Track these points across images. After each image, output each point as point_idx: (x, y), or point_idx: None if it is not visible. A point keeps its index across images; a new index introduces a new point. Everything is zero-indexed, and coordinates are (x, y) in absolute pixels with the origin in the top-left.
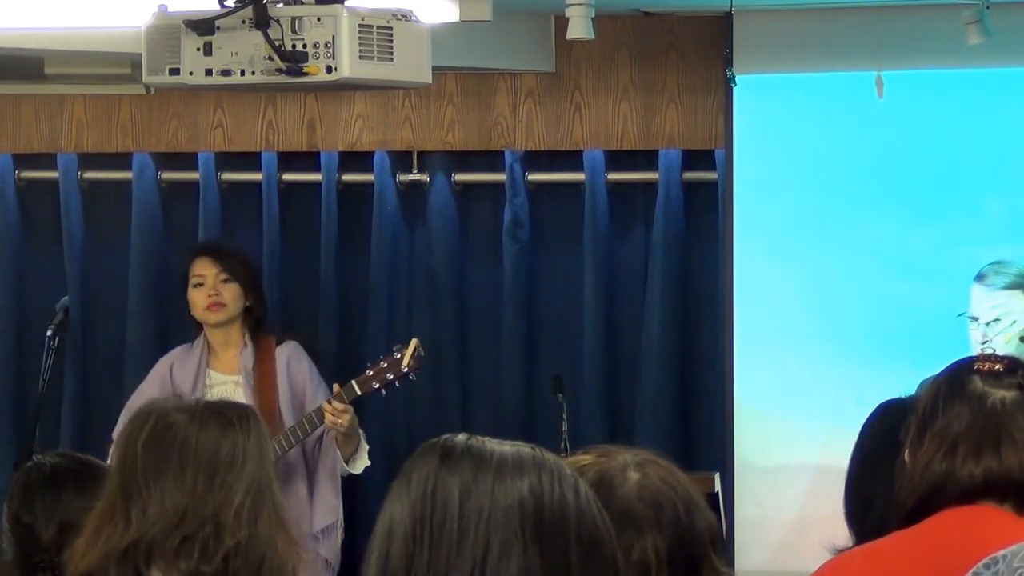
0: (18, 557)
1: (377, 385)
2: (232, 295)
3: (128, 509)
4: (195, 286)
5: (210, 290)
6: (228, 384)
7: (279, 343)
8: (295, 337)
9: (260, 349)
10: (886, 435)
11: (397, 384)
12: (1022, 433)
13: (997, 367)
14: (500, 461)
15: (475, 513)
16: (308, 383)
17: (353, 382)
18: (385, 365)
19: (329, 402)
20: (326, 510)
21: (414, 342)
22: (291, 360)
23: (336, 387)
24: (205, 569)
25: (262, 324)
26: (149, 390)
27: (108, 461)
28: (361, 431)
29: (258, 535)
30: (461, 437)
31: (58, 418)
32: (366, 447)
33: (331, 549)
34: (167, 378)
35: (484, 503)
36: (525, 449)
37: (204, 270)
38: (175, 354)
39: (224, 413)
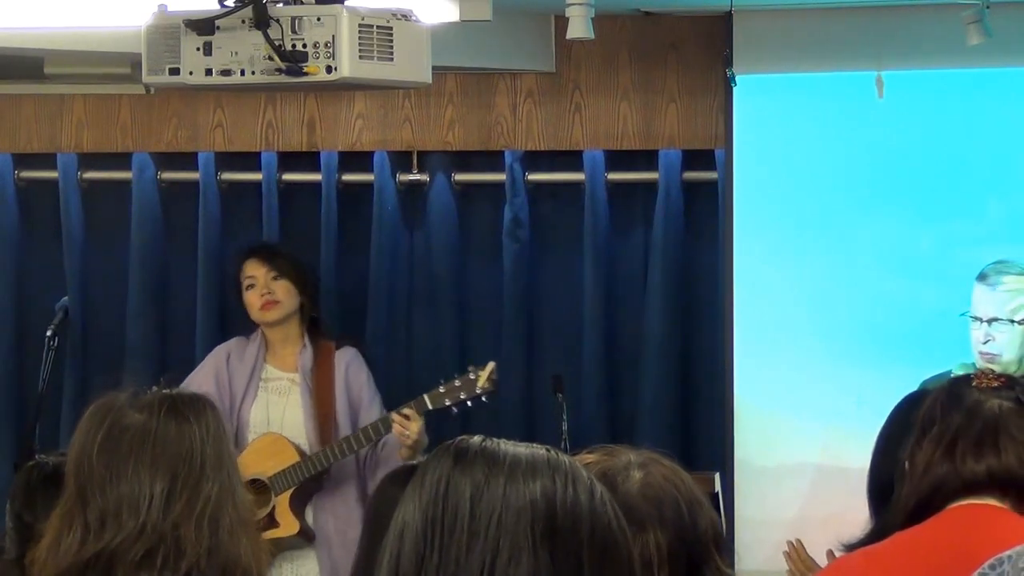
0: (20, 556)
1: (448, 403)
2: (285, 291)
3: (85, 515)
4: (248, 288)
5: (262, 289)
6: (284, 381)
7: (338, 347)
8: (353, 343)
9: (319, 352)
10: (908, 422)
11: (469, 404)
12: (1021, 432)
13: (995, 383)
14: (513, 463)
15: (486, 515)
16: (365, 391)
17: (425, 396)
18: (459, 384)
19: (399, 412)
20: None
21: (491, 365)
22: (350, 366)
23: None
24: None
25: (319, 325)
26: (203, 378)
27: None
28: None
29: (220, 543)
30: (476, 438)
31: (58, 418)
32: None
33: None
34: (223, 367)
35: (495, 505)
36: (540, 451)
37: (254, 271)
38: (232, 344)
39: (181, 411)
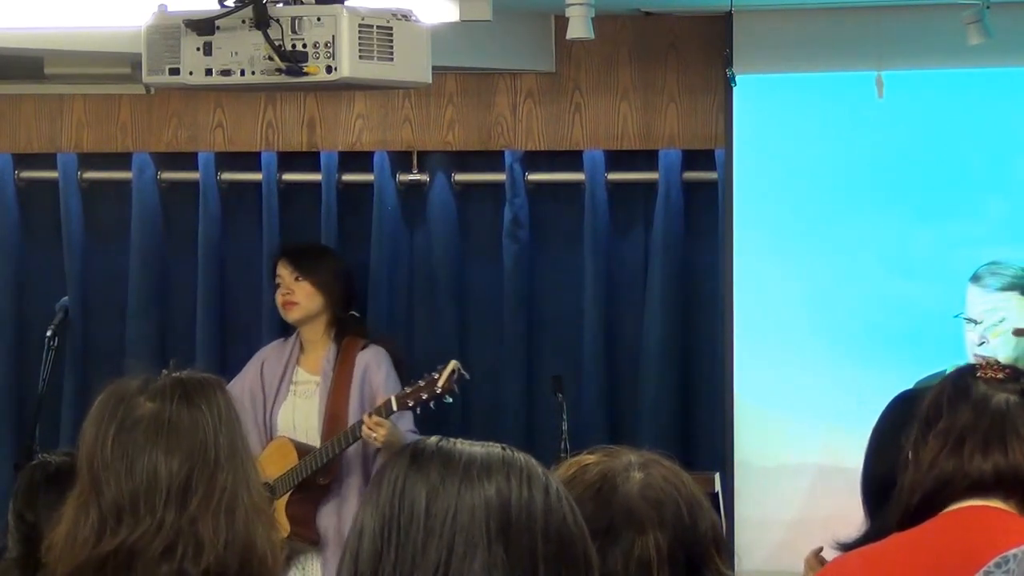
0: (22, 555)
1: (412, 403)
2: (305, 293)
3: (100, 505)
4: (276, 287)
5: (285, 290)
6: (311, 384)
7: (365, 347)
8: (383, 342)
9: (343, 353)
10: (901, 421)
11: (432, 404)
12: None
13: (1000, 375)
14: (468, 463)
15: (441, 514)
16: (382, 391)
17: (392, 398)
18: (423, 384)
19: (369, 415)
20: None
21: (452, 364)
22: (369, 366)
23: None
24: (189, 568)
25: (348, 326)
26: (244, 381)
27: None
28: None
29: (237, 532)
30: (432, 439)
31: (58, 418)
32: None
33: None
34: (259, 371)
35: (450, 504)
36: (495, 450)
37: (281, 271)
38: (271, 347)
39: (192, 398)
